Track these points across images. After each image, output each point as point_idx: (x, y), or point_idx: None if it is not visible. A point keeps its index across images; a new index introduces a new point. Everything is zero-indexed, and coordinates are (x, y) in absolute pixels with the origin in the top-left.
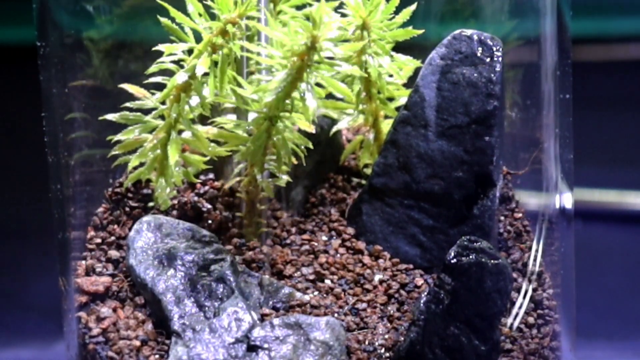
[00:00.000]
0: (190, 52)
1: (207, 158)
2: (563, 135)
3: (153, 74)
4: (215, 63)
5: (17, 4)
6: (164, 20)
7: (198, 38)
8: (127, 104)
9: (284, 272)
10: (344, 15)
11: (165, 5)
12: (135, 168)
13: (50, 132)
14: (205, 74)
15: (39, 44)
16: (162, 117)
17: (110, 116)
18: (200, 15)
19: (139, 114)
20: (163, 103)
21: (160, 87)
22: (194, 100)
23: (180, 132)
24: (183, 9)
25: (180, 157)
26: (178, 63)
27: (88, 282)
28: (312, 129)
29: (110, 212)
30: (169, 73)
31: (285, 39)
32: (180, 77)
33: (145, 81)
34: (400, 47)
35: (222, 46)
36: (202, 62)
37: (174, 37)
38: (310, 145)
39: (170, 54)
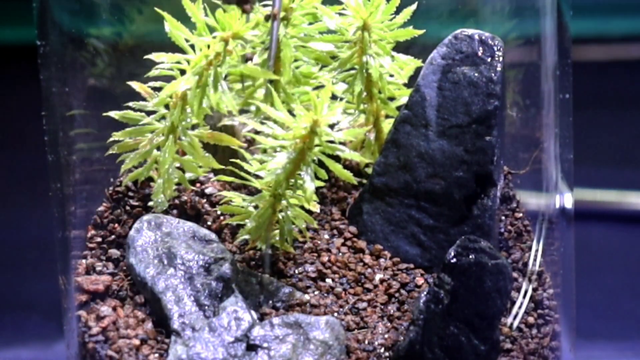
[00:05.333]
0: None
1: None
2: (563, 135)
3: (153, 77)
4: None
5: (17, 4)
6: (170, 29)
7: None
8: (130, 104)
9: (284, 271)
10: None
11: (166, 15)
12: (135, 167)
13: (50, 130)
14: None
15: (39, 43)
16: (163, 118)
17: (113, 113)
18: (200, 29)
19: (142, 113)
20: (166, 106)
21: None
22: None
23: (178, 137)
24: (186, 16)
25: (179, 160)
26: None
27: (88, 281)
28: (317, 209)
29: (110, 211)
30: (172, 74)
31: (288, 120)
32: (175, 86)
33: (149, 84)
34: (402, 46)
35: (218, 62)
36: (187, 79)
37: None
38: (315, 225)
39: (170, 62)
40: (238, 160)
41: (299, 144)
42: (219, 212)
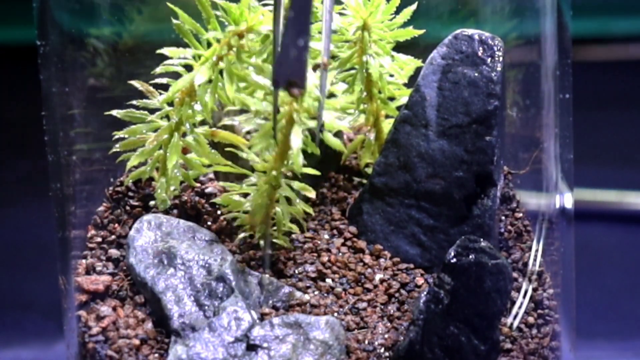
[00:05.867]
0: (199, 56)
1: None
2: (563, 135)
3: (157, 75)
4: (220, 72)
5: (17, 4)
6: (176, 22)
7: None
8: (133, 102)
9: (284, 271)
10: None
11: (177, 10)
12: (135, 167)
13: (50, 130)
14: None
15: (39, 43)
16: (167, 117)
17: (116, 112)
18: (210, 24)
19: (145, 112)
20: (169, 104)
21: (166, 87)
22: (198, 105)
23: (183, 134)
24: (195, 12)
25: (182, 159)
26: (185, 65)
27: (88, 281)
28: (313, 194)
29: (111, 211)
30: (175, 74)
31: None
32: (185, 81)
33: (151, 81)
34: (403, 46)
35: (228, 56)
36: (202, 72)
37: (186, 40)
38: (312, 212)
39: (178, 57)
40: (235, 150)
41: (286, 110)
42: (219, 212)
